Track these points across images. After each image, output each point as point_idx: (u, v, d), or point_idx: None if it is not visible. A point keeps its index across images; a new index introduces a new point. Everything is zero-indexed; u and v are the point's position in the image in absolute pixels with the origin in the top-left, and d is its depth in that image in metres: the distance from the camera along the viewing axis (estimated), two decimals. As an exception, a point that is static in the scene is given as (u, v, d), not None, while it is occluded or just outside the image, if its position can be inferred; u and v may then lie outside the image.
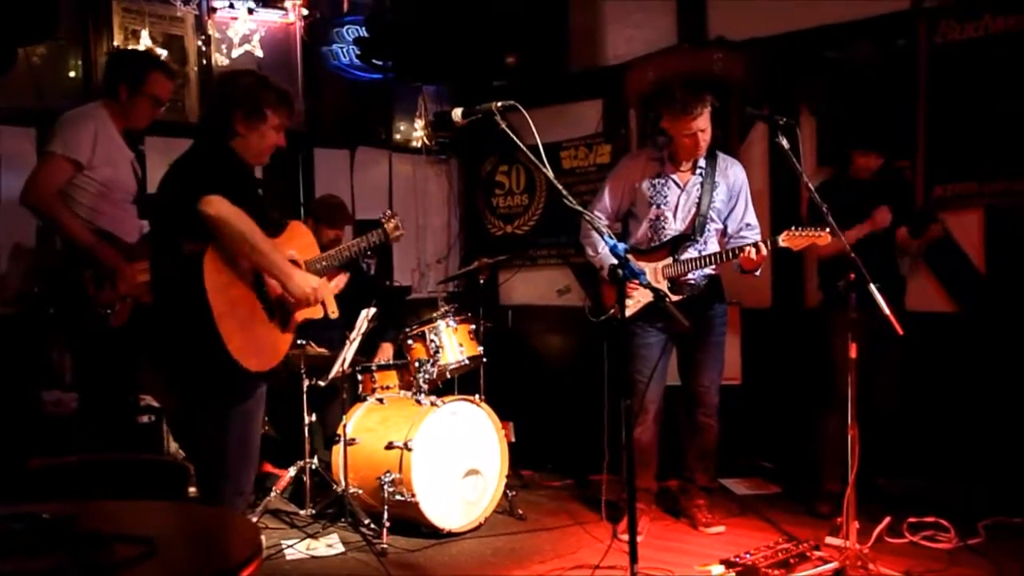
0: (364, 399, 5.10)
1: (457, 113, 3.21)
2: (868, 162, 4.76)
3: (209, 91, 5.79)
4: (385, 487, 4.53)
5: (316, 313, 3.52)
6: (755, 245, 4.30)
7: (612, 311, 4.54)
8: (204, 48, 5.84)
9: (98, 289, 3.95)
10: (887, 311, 3.71)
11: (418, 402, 4.82)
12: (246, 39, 5.89)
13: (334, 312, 4.13)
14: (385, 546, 4.42)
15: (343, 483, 4.72)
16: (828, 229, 4.09)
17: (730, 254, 4.39)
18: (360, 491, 4.74)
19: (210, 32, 5.85)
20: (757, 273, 4.45)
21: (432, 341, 4.95)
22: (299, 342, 4.94)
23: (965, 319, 5.09)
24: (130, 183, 4.23)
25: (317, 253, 3.63)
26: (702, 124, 4.40)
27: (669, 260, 4.53)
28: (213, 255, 3.13)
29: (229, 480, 3.28)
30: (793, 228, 4.25)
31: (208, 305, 3.08)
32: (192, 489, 3.45)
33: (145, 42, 5.39)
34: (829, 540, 4.18)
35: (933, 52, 5.14)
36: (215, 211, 3.05)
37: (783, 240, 4.25)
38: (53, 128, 4.03)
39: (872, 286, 3.76)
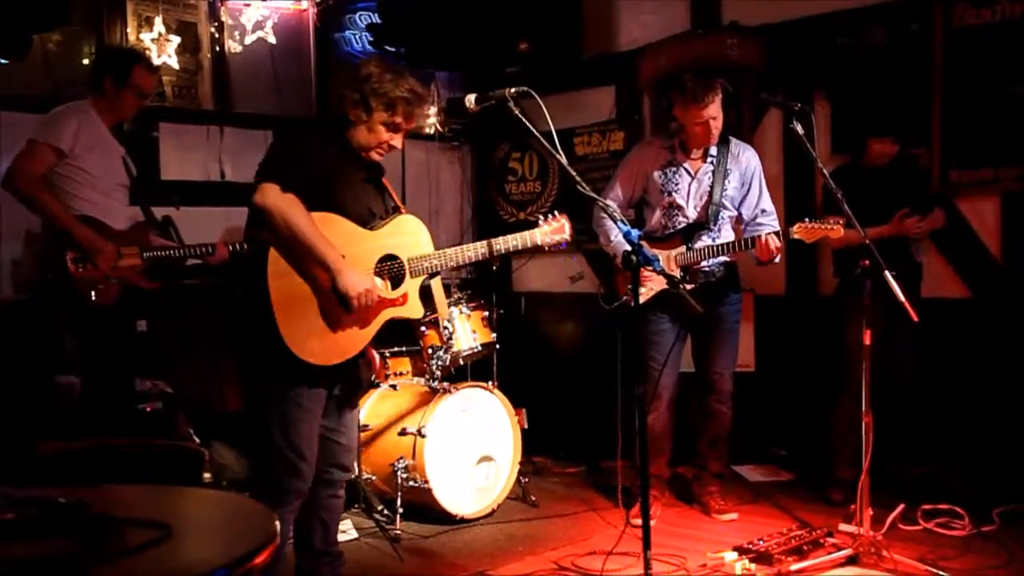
0: (377, 385, 5.11)
1: (471, 99, 3.21)
2: (884, 148, 4.72)
3: (223, 78, 5.84)
4: (398, 473, 4.55)
5: (412, 312, 3.38)
6: (771, 235, 4.27)
7: (626, 298, 4.54)
8: (217, 35, 5.84)
9: (80, 269, 4.09)
10: (902, 298, 3.69)
11: (431, 389, 4.83)
12: (259, 26, 5.88)
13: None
14: (398, 532, 4.44)
15: (356, 469, 4.73)
16: (843, 220, 4.07)
17: (743, 244, 4.37)
18: (373, 477, 4.76)
19: (223, 19, 5.85)
20: (776, 260, 4.42)
21: (445, 328, 4.95)
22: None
23: (980, 305, 5.06)
24: (119, 174, 4.41)
25: (427, 251, 3.40)
26: (713, 112, 4.38)
27: (683, 248, 4.51)
28: None
29: (269, 477, 3.20)
30: (807, 220, 4.23)
31: (267, 291, 3.04)
32: (207, 475, 3.47)
33: (159, 29, 5.39)
34: (843, 527, 4.17)
35: (949, 37, 5.09)
36: (261, 200, 3.02)
37: (796, 232, 4.23)
38: (42, 119, 4.25)
39: (887, 273, 3.73)
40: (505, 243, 3.47)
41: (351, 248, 3.19)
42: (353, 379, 3.39)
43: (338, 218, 3.20)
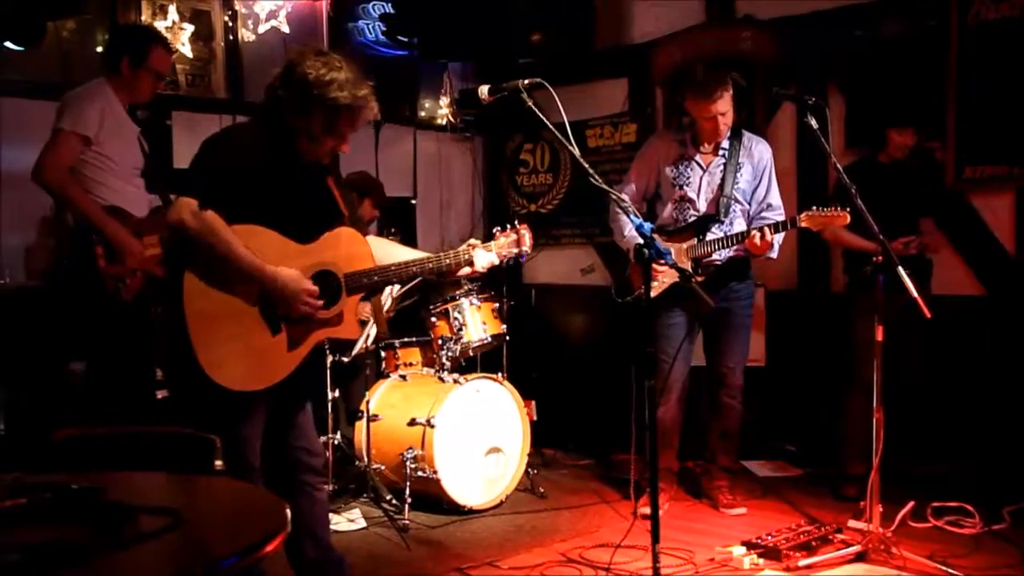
0: (387, 376, 5.12)
1: (483, 90, 3.18)
2: (905, 139, 4.69)
3: (236, 67, 5.84)
4: (407, 463, 4.56)
5: (348, 333, 3.16)
6: (760, 230, 4.27)
7: (638, 292, 4.53)
8: (231, 24, 5.84)
9: (109, 263, 4.04)
10: (915, 294, 3.67)
11: (441, 379, 4.84)
12: (272, 15, 5.88)
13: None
14: (406, 522, 4.45)
15: (365, 459, 4.75)
16: (849, 209, 4.06)
17: (744, 237, 4.38)
18: (382, 467, 4.77)
19: (237, 8, 5.85)
20: (773, 255, 4.40)
21: (455, 319, 4.96)
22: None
23: (994, 302, 5.03)
24: (137, 157, 4.31)
25: (368, 266, 3.13)
26: (723, 107, 4.37)
27: (694, 241, 4.51)
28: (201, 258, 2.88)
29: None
30: (814, 208, 4.22)
31: (182, 312, 2.82)
32: (218, 463, 3.46)
33: (172, 17, 5.39)
34: (852, 523, 4.16)
35: (965, 31, 5.05)
36: (176, 217, 2.81)
37: (803, 220, 4.22)
38: (60, 106, 4.10)
39: (900, 269, 3.72)
40: (456, 256, 3.19)
41: (279, 264, 2.93)
42: (294, 394, 3.15)
43: (265, 231, 2.93)
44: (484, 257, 3.22)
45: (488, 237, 3.33)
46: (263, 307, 2.94)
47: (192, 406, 3.05)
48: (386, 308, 4.82)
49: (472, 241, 3.26)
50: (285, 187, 2.98)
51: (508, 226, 3.33)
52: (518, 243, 3.31)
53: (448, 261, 3.19)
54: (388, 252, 3.27)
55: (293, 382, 3.04)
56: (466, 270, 3.23)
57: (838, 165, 3.96)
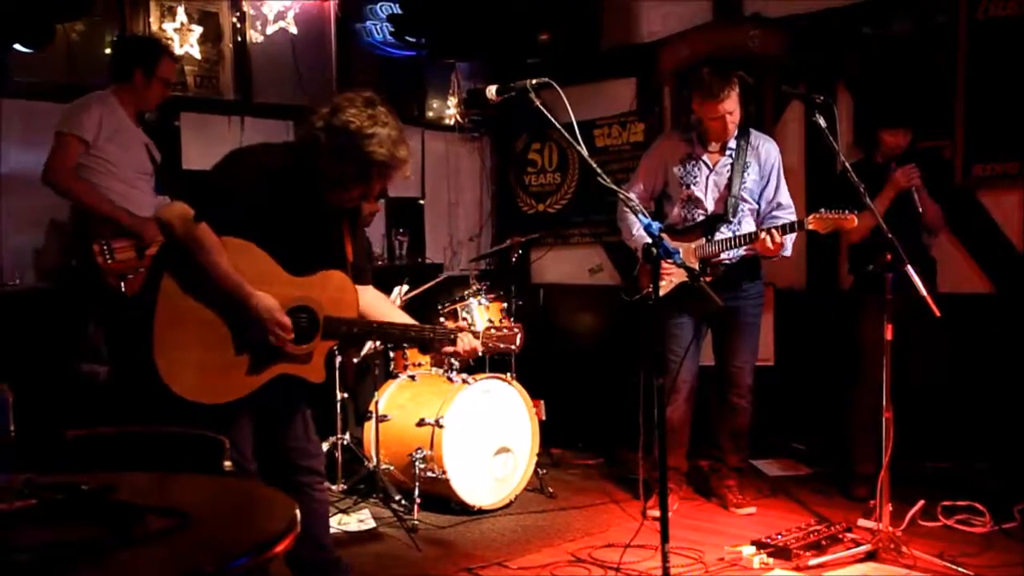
0: (396, 376, 5.12)
1: (491, 90, 3.17)
2: (897, 139, 4.66)
3: (244, 68, 5.85)
4: (416, 464, 4.56)
5: (313, 375, 3.07)
6: (769, 232, 4.27)
7: (646, 291, 4.53)
8: (239, 25, 5.86)
9: (108, 260, 4.13)
10: (924, 292, 3.65)
11: (449, 379, 4.84)
12: (280, 16, 5.90)
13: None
14: (416, 522, 4.45)
15: (374, 459, 4.75)
16: (856, 211, 4.04)
17: (753, 237, 4.36)
18: (391, 467, 4.78)
19: (245, 9, 5.87)
20: (787, 253, 4.40)
21: (464, 318, 4.96)
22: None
23: (1003, 300, 5.02)
24: (142, 162, 4.44)
25: (351, 315, 3.09)
26: (729, 107, 4.37)
27: (702, 240, 4.50)
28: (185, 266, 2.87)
29: None
30: (822, 210, 4.20)
31: (153, 308, 2.81)
32: (227, 463, 3.46)
33: (181, 19, 5.41)
34: (861, 522, 4.15)
35: (974, 28, 5.04)
36: (166, 217, 2.82)
37: (810, 223, 4.20)
38: (63, 113, 4.29)
39: (909, 268, 3.70)
40: (441, 333, 3.20)
41: (261, 287, 2.90)
42: (279, 400, 3.08)
43: (258, 251, 2.92)
44: (468, 342, 3.21)
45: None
46: (233, 325, 2.91)
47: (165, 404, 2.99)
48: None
49: (463, 323, 3.25)
50: (295, 219, 2.96)
51: (503, 320, 3.30)
52: (509, 341, 3.31)
53: (430, 336, 3.19)
54: (380, 309, 3.24)
55: (276, 391, 3.00)
56: (448, 348, 3.21)
57: (847, 164, 3.95)
